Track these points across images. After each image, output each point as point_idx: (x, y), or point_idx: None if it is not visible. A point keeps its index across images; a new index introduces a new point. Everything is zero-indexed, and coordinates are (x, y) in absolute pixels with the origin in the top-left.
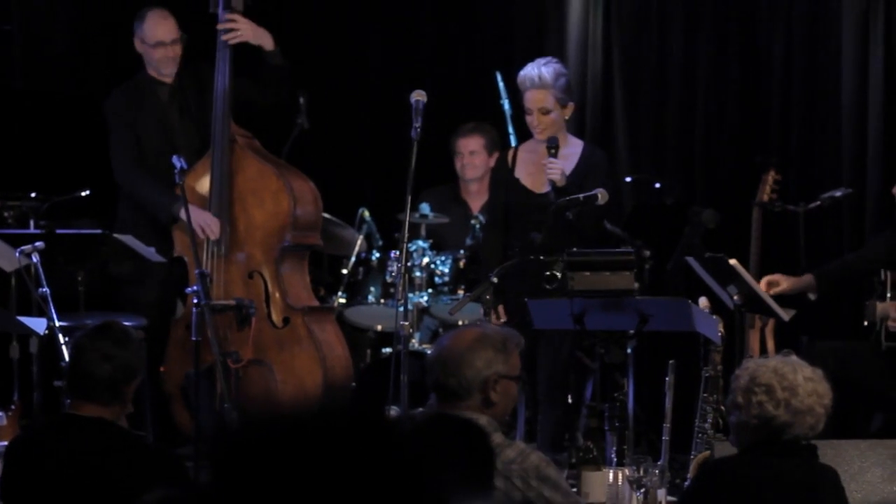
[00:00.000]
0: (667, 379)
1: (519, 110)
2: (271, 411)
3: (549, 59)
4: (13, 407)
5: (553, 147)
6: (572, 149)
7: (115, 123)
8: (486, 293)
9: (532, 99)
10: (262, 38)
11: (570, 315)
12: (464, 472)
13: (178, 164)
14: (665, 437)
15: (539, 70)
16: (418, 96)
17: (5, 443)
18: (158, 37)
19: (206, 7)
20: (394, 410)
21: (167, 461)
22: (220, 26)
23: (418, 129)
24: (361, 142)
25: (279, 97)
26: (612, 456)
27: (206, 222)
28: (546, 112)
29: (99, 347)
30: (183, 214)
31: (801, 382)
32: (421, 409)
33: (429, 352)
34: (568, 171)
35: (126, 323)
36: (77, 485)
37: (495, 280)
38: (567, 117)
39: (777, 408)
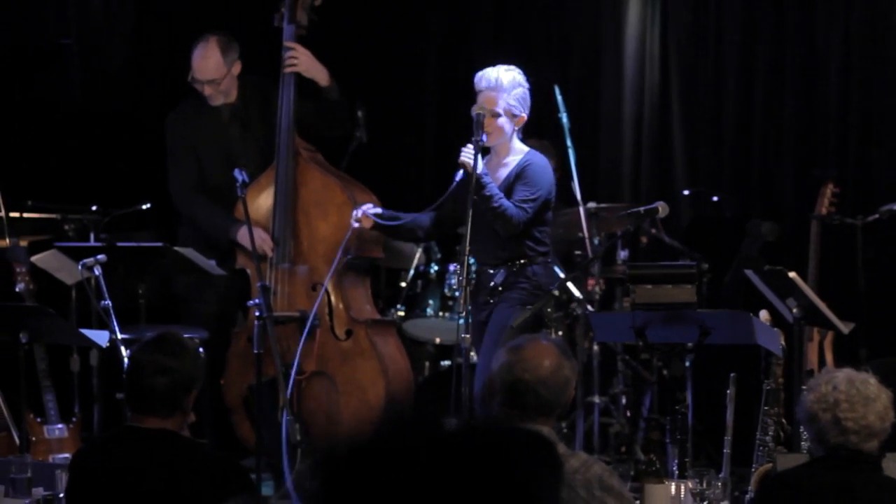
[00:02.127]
0: (728, 392)
1: (575, 123)
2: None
3: (512, 67)
4: (74, 419)
5: (476, 140)
6: (512, 156)
7: (174, 144)
8: (547, 305)
9: (484, 99)
10: (317, 74)
11: (632, 328)
12: (535, 483)
13: (239, 178)
14: (726, 450)
15: (497, 73)
16: (479, 109)
17: (67, 455)
18: (194, 74)
19: (272, 21)
20: (452, 423)
21: (232, 470)
22: (283, 57)
23: (479, 142)
24: (419, 155)
25: (336, 131)
26: (674, 468)
27: (261, 238)
28: (495, 115)
29: (155, 360)
30: (240, 235)
31: (855, 398)
32: (481, 421)
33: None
34: (504, 175)
35: (186, 336)
36: (142, 496)
37: (556, 292)
38: (517, 128)
39: (833, 421)
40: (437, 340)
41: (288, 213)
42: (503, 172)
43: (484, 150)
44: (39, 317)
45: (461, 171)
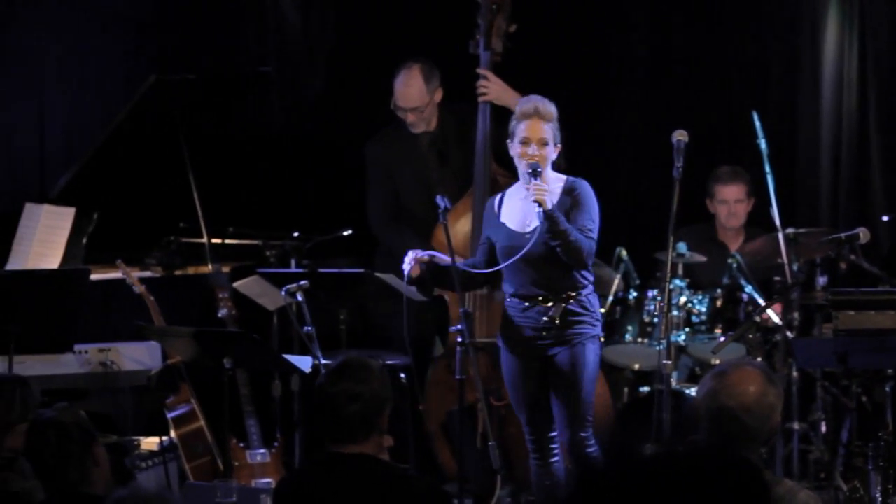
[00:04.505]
0: None
1: (773, 149)
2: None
3: (542, 97)
4: (276, 444)
5: (535, 172)
6: (555, 184)
7: (373, 172)
8: (749, 332)
9: (533, 129)
10: (509, 101)
11: (835, 354)
12: None
13: (441, 204)
14: None
15: (542, 103)
16: (680, 136)
17: (269, 480)
18: (398, 102)
19: (468, 48)
20: (649, 448)
21: (436, 496)
22: (478, 84)
23: (680, 169)
24: (618, 181)
25: None
26: (877, 496)
27: None
28: (544, 144)
29: (343, 389)
30: (439, 262)
31: None
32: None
33: (689, 391)
34: (550, 205)
35: (387, 361)
36: None
37: (758, 319)
38: (555, 157)
39: None
40: (636, 366)
41: None
42: (551, 200)
43: (535, 175)
44: (243, 343)
45: (538, 210)
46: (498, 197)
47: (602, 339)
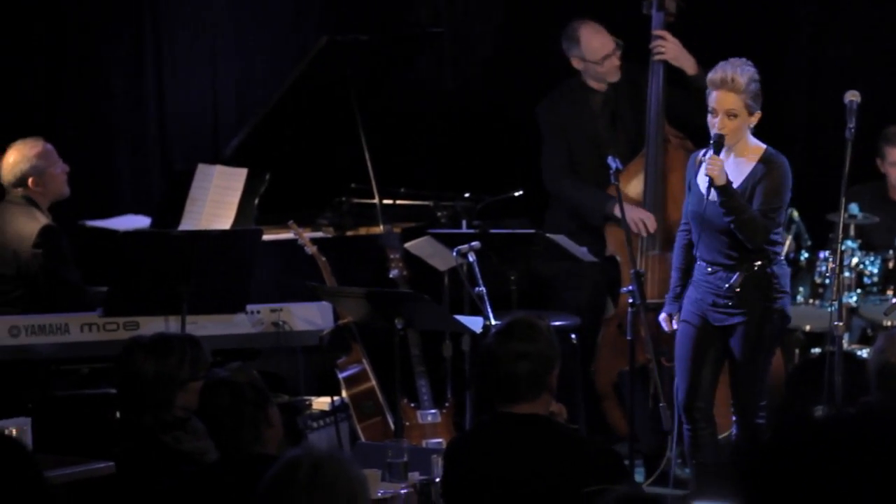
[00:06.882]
0: None
1: None
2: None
3: (744, 60)
4: (447, 405)
5: (717, 144)
6: (750, 155)
7: (548, 131)
8: None
9: (720, 100)
10: (684, 62)
11: None
12: None
13: (613, 165)
14: None
15: (733, 72)
16: (852, 97)
17: (440, 440)
18: (603, 51)
19: (640, 8)
20: (819, 410)
21: (607, 457)
22: (652, 45)
23: (852, 130)
24: (790, 143)
25: (704, 118)
26: None
27: (641, 218)
28: (732, 116)
29: (510, 349)
30: (617, 212)
31: None
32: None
33: (861, 352)
34: (744, 175)
35: (557, 322)
36: (518, 482)
37: None
38: (752, 125)
39: None
40: (808, 328)
41: (658, 200)
42: (743, 171)
43: (716, 147)
44: (415, 303)
45: (708, 184)
46: (702, 152)
47: (785, 311)
